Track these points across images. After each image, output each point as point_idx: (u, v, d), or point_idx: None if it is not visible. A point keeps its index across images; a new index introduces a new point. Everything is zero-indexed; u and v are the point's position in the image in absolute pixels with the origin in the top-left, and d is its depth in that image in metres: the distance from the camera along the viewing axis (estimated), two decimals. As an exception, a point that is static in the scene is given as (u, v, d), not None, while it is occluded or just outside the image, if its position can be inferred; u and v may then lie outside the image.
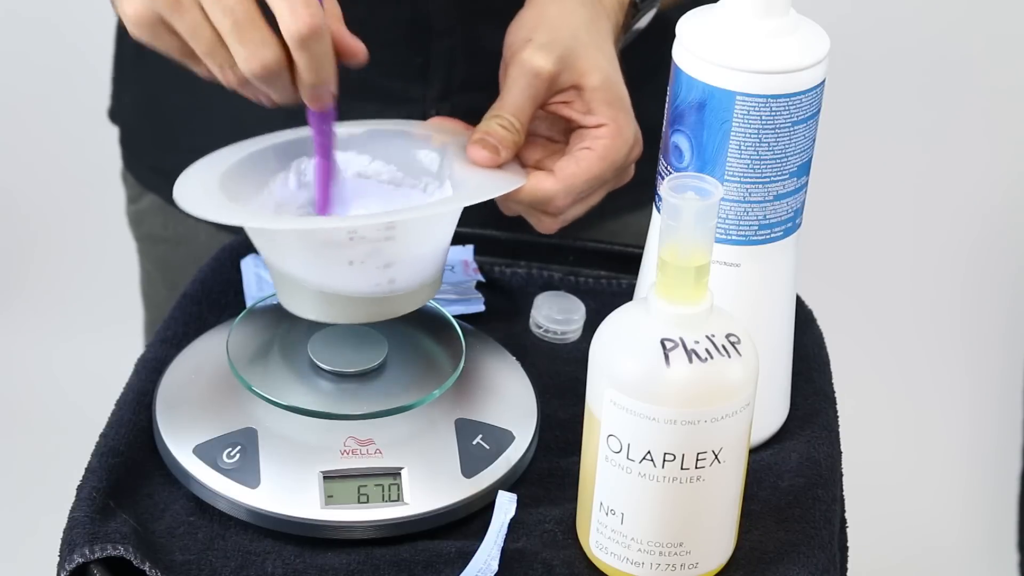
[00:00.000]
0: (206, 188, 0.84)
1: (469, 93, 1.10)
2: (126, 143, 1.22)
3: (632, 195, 1.00)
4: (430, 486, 0.83)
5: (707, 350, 0.75)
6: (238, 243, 1.01)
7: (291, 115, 1.11)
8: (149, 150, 1.19)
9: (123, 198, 1.25)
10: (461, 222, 0.86)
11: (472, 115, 1.11)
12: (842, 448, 0.92)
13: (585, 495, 0.81)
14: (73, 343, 2.05)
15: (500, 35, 1.08)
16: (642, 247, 0.91)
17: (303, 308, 0.84)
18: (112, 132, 1.24)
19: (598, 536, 0.80)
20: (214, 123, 1.11)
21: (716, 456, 0.77)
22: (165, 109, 1.17)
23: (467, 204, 0.82)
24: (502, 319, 0.99)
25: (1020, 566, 1.92)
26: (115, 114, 1.24)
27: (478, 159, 0.86)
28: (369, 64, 1.09)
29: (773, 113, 0.81)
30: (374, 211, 0.87)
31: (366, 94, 1.10)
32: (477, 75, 1.09)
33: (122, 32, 1.20)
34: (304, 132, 0.90)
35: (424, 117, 1.10)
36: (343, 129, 0.89)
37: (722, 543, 0.81)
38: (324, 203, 0.86)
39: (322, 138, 0.86)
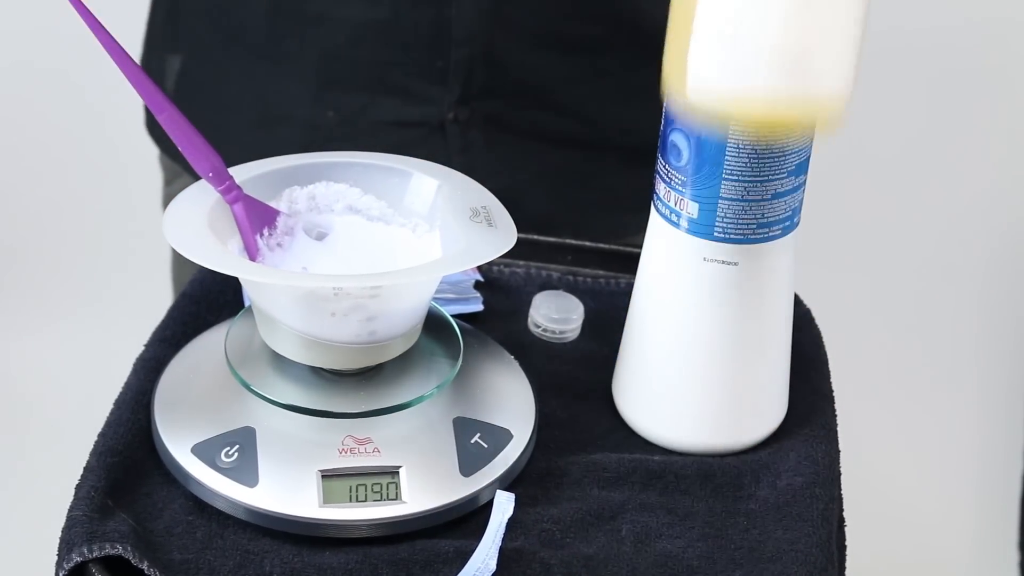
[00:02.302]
0: (195, 219, 0.83)
1: (488, 100, 1.11)
2: (153, 126, 1.23)
3: (633, 205, 1.01)
4: (428, 485, 0.83)
5: None
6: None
7: (317, 97, 1.12)
8: None
9: (133, 188, 1.24)
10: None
11: (490, 122, 1.12)
12: (840, 447, 0.92)
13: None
14: (73, 341, 2.05)
15: (519, 47, 1.09)
16: (641, 247, 0.91)
17: (283, 347, 0.85)
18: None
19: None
20: (241, 105, 1.12)
21: None
22: (194, 90, 1.17)
23: (456, 271, 0.83)
24: (500, 318, 0.99)
25: (1020, 566, 1.92)
26: None
27: None
28: (391, 64, 1.10)
29: (771, 112, 0.81)
30: (359, 252, 0.87)
31: (387, 92, 1.11)
32: (496, 84, 1.10)
33: (154, 15, 1.20)
34: (297, 160, 0.90)
35: (442, 119, 1.11)
36: (342, 158, 0.90)
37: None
38: (252, 251, 0.86)
39: (240, 220, 0.86)
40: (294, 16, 1.10)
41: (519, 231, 0.91)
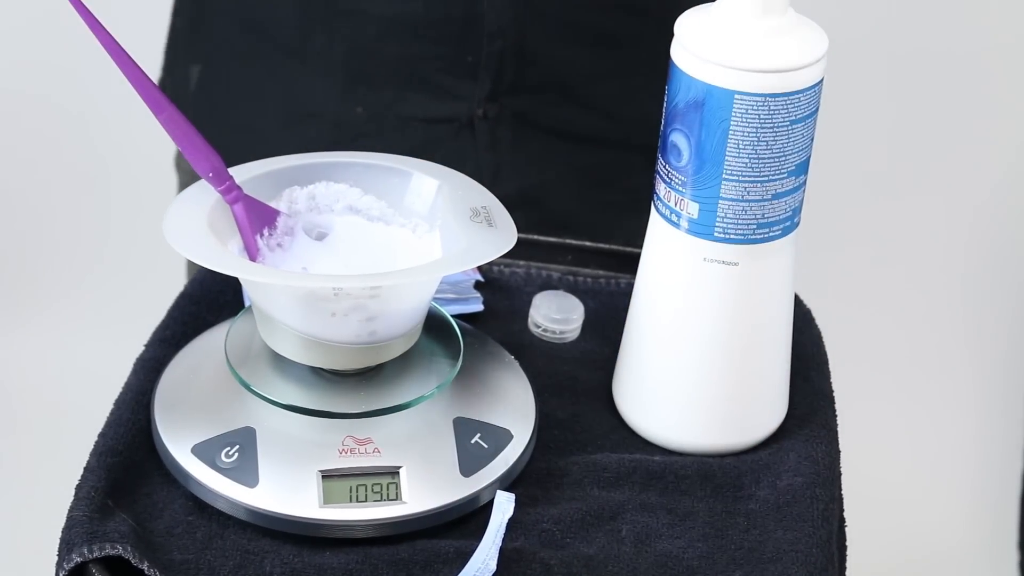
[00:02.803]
0: (195, 219, 0.83)
1: (518, 96, 1.11)
2: None
3: (631, 199, 1.01)
4: (428, 485, 0.83)
5: None
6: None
7: (345, 94, 1.11)
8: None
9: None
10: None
11: (519, 119, 1.12)
12: (841, 447, 0.92)
13: None
14: (73, 341, 2.05)
15: (550, 41, 1.08)
16: (641, 247, 0.91)
17: (283, 348, 0.85)
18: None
19: None
20: (268, 104, 1.12)
21: None
22: (216, 91, 1.17)
23: (456, 271, 0.83)
24: (500, 318, 0.99)
25: (1020, 566, 1.92)
26: (163, 86, 1.24)
27: None
28: (420, 59, 1.10)
29: (771, 112, 0.81)
30: (359, 252, 0.87)
31: (416, 88, 1.11)
32: (526, 78, 1.10)
33: (175, 24, 1.21)
34: (297, 160, 0.90)
35: (471, 116, 1.11)
36: (342, 158, 0.90)
37: None
38: (252, 251, 0.86)
39: (240, 221, 0.86)
40: (324, 10, 1.09)
41: (543, 229, 0.91)
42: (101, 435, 0.86)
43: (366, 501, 0.82)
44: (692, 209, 0.84)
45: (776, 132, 0.81)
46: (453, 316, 0.92)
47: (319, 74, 1.12)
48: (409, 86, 1.11)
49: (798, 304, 0.98)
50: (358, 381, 0.86)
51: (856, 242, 2.11)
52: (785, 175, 0.83)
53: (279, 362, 0.86)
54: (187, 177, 1.24)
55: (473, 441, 0.85)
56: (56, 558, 0.80)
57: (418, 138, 1.10)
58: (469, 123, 1.11)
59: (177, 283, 1.29)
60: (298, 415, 0.84)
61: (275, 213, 0.87)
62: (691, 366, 0.88)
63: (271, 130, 1.14)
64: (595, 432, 0.91)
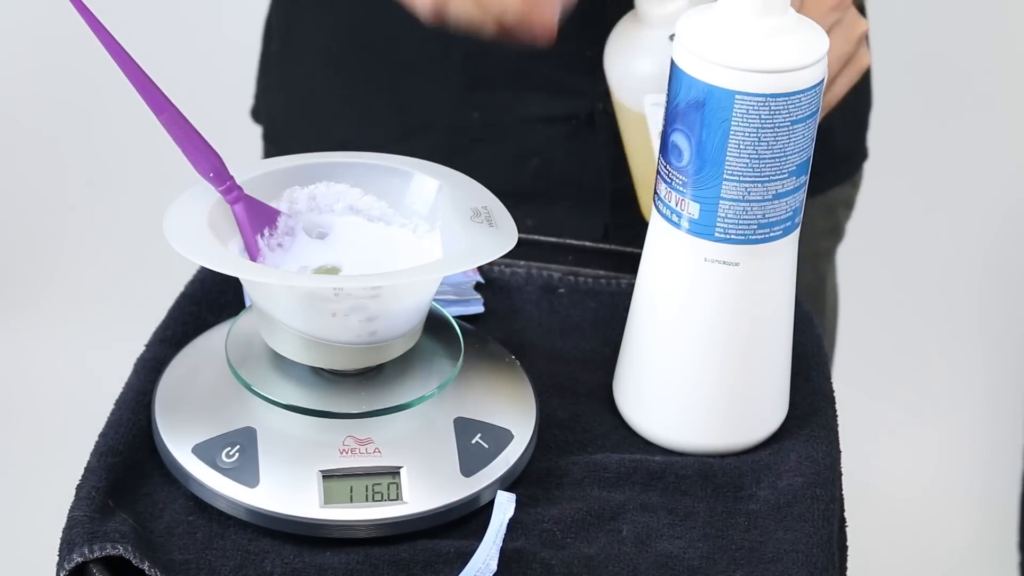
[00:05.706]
0: (195, 219, 0.84)
1: None
2: (271, 139, 1.23)
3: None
4: (429, 485, 0.83)
5: None
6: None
7: (460, 99, 1.10)
8: (296, 145, 1.20)
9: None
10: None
11: None
12: (841, 447, 0.92)
13: None
14: (73, 342, 2.05)
15: None
16: (641, 247, 0.91)
17: (283, 348, 0.85)
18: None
19: None
20: (379, 119, 1.11)
21: None
22: (312, 105, 1.17)
23: (456, 271, 0.83)
24: (501, 318, 0.99)
25: (1020, 566, 1.92)
26: (258, 113, 1.24)
27: None
28: (537, 57, 1.09)
29: (772, 112, 0.81)
30: (359, 252, 0.87)
31: (533, 87, 1.10)
32: None
33: (268, 33, 1.20)
34: (298, 160, 0.90)
35: (591, 111, 1.10)
36: (342, 158, 0.90)
37: None
38: (253, 251, 0.86)
39: (240, 221, 0.86)
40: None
41: None
42: (102, 435, 0.86)
43: (367, 501, 0.82)
44: (693, 209, 0.84)
45: (777, 132, 0.82)
46: (454, 317, 0.92)
47: (433, 83, 1.10)
48: (526, 86, 1.10)
49: (799, 304, 0.98)
50: (359, 381, 0.86)
51: (856, 242, 2.11)
52: (786, 175, 0.83)
53: (280, 362, 0.86)
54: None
55: (474, 441, 0.85)
56: (56, 558, 0.80)
57: (537, 139, 1.08)
58: (589, 119, 1.10)
59: (177, 283, 1.29)
60: (299, 415, 0.84)
61: (276, 213, 0.87)
62: (691, 366, 0.88)
63: (382, 146, 1.13)
64: (595, 432, 0.91)
